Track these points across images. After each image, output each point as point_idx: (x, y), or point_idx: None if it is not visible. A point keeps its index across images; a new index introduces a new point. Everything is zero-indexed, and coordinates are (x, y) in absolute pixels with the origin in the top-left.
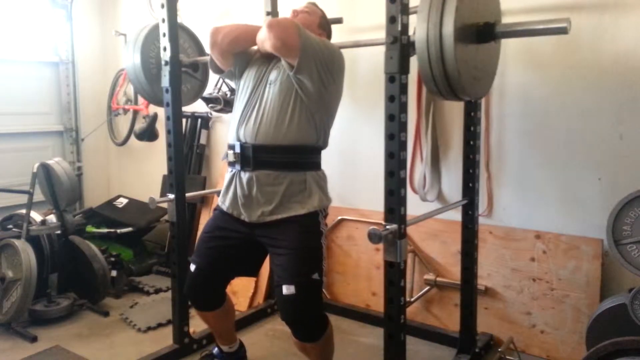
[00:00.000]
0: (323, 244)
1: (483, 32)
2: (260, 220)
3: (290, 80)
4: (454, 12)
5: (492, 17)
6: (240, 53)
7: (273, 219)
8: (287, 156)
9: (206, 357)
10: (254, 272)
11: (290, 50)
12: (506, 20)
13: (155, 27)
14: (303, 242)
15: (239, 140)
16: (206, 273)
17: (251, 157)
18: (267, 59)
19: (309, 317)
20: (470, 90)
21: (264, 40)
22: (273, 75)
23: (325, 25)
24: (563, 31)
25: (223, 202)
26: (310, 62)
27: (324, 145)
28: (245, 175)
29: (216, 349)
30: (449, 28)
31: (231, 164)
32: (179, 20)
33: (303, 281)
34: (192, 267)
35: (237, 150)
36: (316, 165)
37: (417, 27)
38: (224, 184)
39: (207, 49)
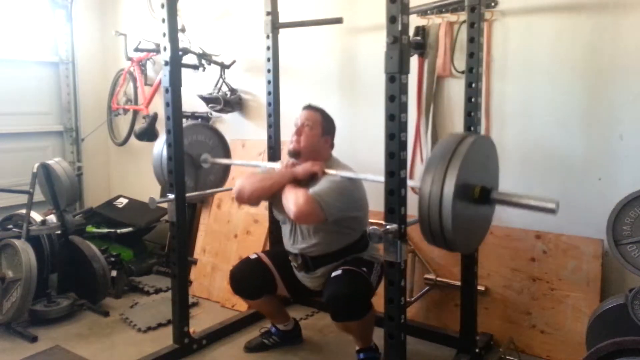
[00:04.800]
0: (375, 270)
1: (480, 194)
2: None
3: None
4: (456, 174)
5: (491, 182)
6: None
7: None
8: (340, 255)
9: (265, 334)
10: (298, 298)
11: (320, 222)
12: (507, 20)
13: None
14: (354, 259)
15: (297, 253)
16: (264, 265)
17: (311, 264)
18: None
19: (348, 294)
20: (462, 242)
21: (294, 221)
22: None
23: (327, 126)
24: (551, 212)
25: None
26: (336, 215)
27: (365, 226)
28: (310, 272)
29: (273, 327)
30: (449, 187)
31: (296, 266)
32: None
33: (350, 269)
34: (254, 255)
35: (300, 260)
36: (366, 244)
37: (421, 181)
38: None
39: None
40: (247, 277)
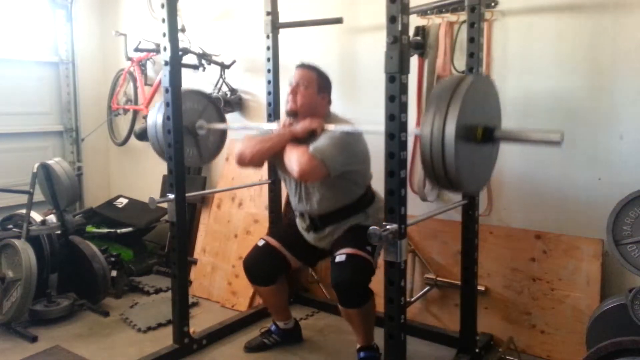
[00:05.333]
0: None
1: (483, 135)
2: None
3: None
4: (457, 114)
5: (493, 122)
6: None
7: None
8: (347, 211)
9: (265, 333)
10: (313, 263)
11: (322, 179)
12: (507, 20)
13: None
14: (360, 231)
15: (304, 212)
16: (273, 248)
17: (319, 222)
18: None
19: (353, 279)
20: (468, 183)
21: (297, 180)
22: None
23: (322, 84)
24: (557, 144)
25: (302, 231)
26: (339, 170)
27: (369, 181)
28: (319, 231)
29: (273, 326)
30: (451, 127)
31: (304, 227)
32: (179, 21)
33: (353, 253)
34: (261, 242)
35: (307, 220)
36: (371, 199)
37: (422, 123)
38: (297, 224)
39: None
40: (259, 264)
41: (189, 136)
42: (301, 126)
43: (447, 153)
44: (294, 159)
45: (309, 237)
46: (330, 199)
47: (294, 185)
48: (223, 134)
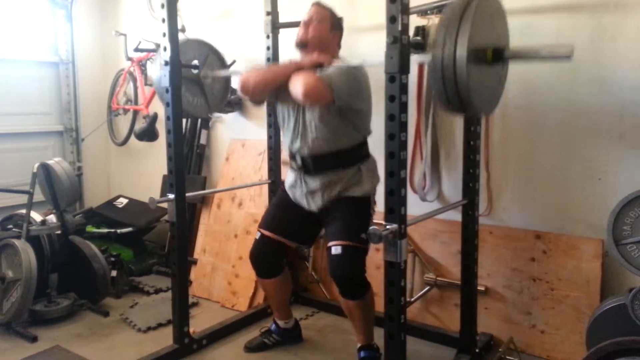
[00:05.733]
0: (370, 223)
1: (493, 55)
2: (322, 207)
3: (330, 107)
4: (467, 36)
5: (502, 42)
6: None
7: (333, 202)
8: (341, 158)
9: (265, 333)
10: (309, 242)
11: (326, 104)
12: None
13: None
14: (353, 214)
15: (297, 152)
16: (268, 238)
17: (311, 165)
18: None
19: (351, 274)
20: (478, 104)
21: (302, 102)
22: None
23: (336, 23)
24: (567, 58)
25: (290, 192)
26: (344, 99)
27: (368, 134)
28: (308, 178)
29: (274, 325)
30: (462, 49)
31: (294, 169)
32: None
33: (348, 245)
34: (258, 234)
35: (299, 161)
36: (366, 156)
37: (433, 47)
38: (288, 180)
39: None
40: (262, 257)
41: (196, 85)
42: (309, 58)
43: (459, 76)
44: (300, 80)
45: (299, 193)
46: (327, 137)
47: (293, 120)
48: (227, 82)
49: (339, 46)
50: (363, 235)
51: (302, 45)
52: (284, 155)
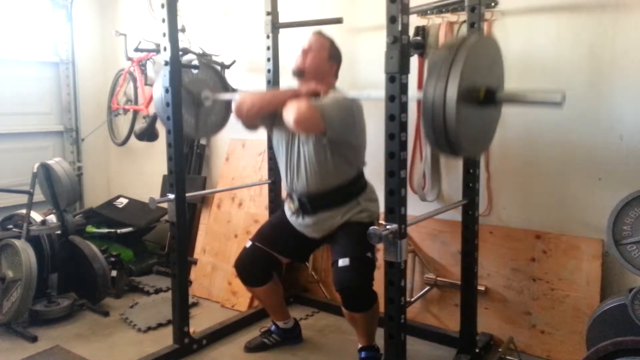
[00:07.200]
0: (375, 247)
1: (485, 97)
2: (324, 235)
3: (321, 139)
4: (459, 76)
5: (496, 82)
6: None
7: (335, 229)
8: (338, 195)
9: (265, 333)
10: (305, 259)
11: (319, 133)
12: (507, 20)
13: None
14: (359, 234)
15: (294, 192)
16: (259, 249)
17: (308, 205)
18: None
19: (358, 287)
20: (468, 147)
21: (293, 129)
22: (304, 135)
23: (334, 54)
24: (558, 104)
25: (290, 219)
26: (336, 131)
27: (362, 166)
28: (307, 217)
29: (273, 325)
30: (453, 90)
31: (292, 210)
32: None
33: (356, 256)
34: (249, 243)
35: (296, 202)
36: (363, 187)
37: (424, 85)
38: (287, 210)
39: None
40: (249, 266)
41: (192, 105)
42: (306, 87)
43: (448, 115)
44: (294, 108)
45: (299, 224)
46: (320, 175)
47: (285, 151)
48: (225, 116)
49: (336, 76)
50: (369, 249)
51: (299, 73)
52: None
